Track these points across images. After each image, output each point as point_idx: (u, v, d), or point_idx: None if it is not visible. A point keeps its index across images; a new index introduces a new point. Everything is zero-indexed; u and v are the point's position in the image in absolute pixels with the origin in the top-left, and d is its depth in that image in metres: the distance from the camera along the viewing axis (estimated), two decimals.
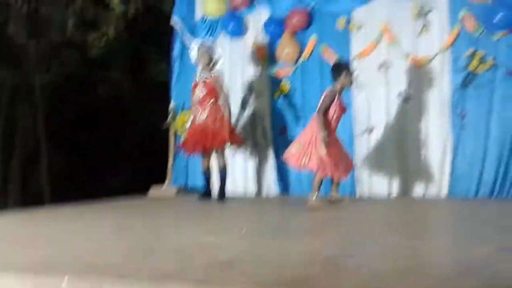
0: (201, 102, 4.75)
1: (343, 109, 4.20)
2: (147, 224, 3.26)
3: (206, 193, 4.95)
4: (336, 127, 4.17)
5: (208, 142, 4.68)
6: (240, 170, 5.70)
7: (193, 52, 4.92)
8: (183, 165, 5.92)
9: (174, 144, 5.93)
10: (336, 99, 4.11)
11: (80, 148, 6.87)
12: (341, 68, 4.21)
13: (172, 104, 5.94)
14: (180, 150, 5.86)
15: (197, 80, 4.85)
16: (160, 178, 5.92)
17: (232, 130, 4.82)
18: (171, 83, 6.05)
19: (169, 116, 5.86)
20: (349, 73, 4.17)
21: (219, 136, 4.67)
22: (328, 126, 4.03)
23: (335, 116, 4.11)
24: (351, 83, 4.22)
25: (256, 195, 5.58)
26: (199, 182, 5.74)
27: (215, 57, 4.85)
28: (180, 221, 3.56)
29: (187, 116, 5.71)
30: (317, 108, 4.11)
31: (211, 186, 5.01)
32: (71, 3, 6.46)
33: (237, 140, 4.94)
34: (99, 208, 4.33)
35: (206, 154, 4.89)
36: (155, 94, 6.83)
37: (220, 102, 4.74)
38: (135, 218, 3.66)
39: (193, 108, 4.88)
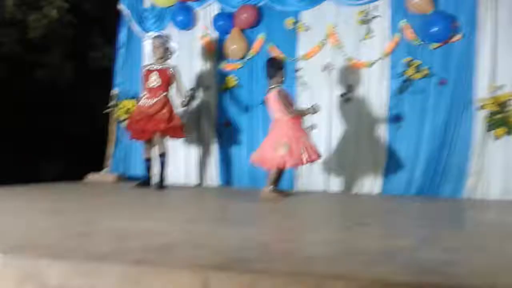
0: (155, 91, 4.80)
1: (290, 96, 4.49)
2: (83, 208, 3.19)
3: (145, 181, 4.93)
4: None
5: (150, 126, 4.72)
6: (182, 160, 5.69)
7: (148, 42, 4.97)
8: (123, 154, 5.82)
9: (115, 131, 5.83)
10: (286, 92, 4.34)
11: (13, 132, 6.56)
12: (279, 65, 4.42)
13: (114, 91, 5.84)
14: (121, 137, 5.78)
15: (150, 68, 4.92)
16: (98, 167, 5.80)
17: (178, 124, 4.88)
18: (115, 70, 5.93)
19: (111, 103, 5.76)
20: (282, 69, 4.40)
21: (163, 123, 4.73)
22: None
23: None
24: (283, 77, 4.43)
25: (198, 185, 5.59)
26: (139, 171, 5.68)
27: (170, 49, 4.96)
28: (117, 206, 3.51)
29: (130, 104, 5.65)
30: (285, 112, 4.25)
31: (151, 174, 4.98)
32: None
33: (180, 133, 4.97)
34: (31, 191, 4.19)
35: (149, 141, 4.89)
36: (97, 80, 6.66)
37: (178, 90, 4.93)
38: (70, 202, 3.57)
39: (144, 93, 4.92)
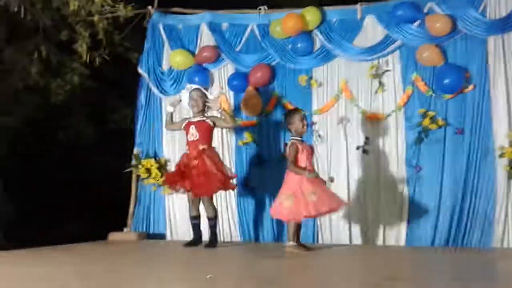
0: (194, 144, 4.76)
1: (309, 151, 4.38)
2: (111, 269, 3.21)
3: (195, 240, 4.83)
4: (313, 169, 4.36)
5: (193, 184, 4.62)
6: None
7: (185, 95, 4.98)
8: (145, 212, 5.87)
9: (136, 190, 5.92)
10: (299, 147, 4.29)
11: (37, 193, 6.70)
12: (291, 113, 4.45)
13: (136, 150, 5.97)
14: (142, 195, 5.85)
15: (190, 120, 4.90)
16: (119, 226, 5.85)
17: (225, 175, 4.74)
18: (135, 130, 6.09)
19: (132, 162, 5.88)
20: (300, 117, 4.36)
21: (210, 181, 4.61)
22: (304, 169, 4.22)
23: (308, 162, 4.29)
24: (304, 127, 4.37)
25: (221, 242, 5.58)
26: (160, 229, 5.72)
27: (209, 102, 4.92)
28: (142, 267, 3.52)
29: (149, 163, 5.77)
30: (288, 164, 4.28)
31: (200, 233, 4.89)
32: (36, 49, 6.48)
33: (229, 185, 4.82)
34: (58, 253, 4.22)
35: (195, 200, 4.81)
36: (118, 141, 6.83)
37: (224, 125, 4.98)
38: (97, 263, 3.59)
39: (186, 147, 4.88)
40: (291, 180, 4.28)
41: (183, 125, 4.93)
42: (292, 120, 4.38)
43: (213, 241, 4.73)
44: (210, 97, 4.97)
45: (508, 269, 3.57)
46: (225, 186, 4.77)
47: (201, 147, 4.73)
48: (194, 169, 4.64)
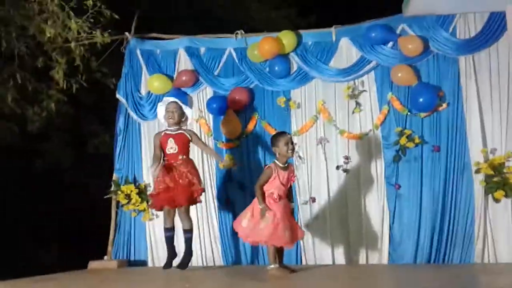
0: (174, 156, 4.77)
1: (285, 180, 4.29)
2: None
3: (170, 259, 4.80)
4: (284, 197, 4.29)
5: (176, 196, 4.65)
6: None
7: (162, 108, 4.96)
8: (125, 239, 5.78)
9: (116, 217, 5.84)
10: (274, 173, 4.26)
11: (14, 223, 6.55)
12: (276, 136, 4.40)
13: (115, 176, 5.91)
14: (122, 222, 5.78)
15: (167, 132, 4.86)
16: (99, 254, 5.74)
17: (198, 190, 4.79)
18: (114, 155, 6.04)
19: (112, 188, 5.81)
20: (285, 140, 4.28)
21: (187, 191, 4.67)
22: (264, 199, 4.19)
23: (279, 190, 4.25)
24: (289, 151, 4.28)
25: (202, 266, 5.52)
26: (142, 256, 5.64)
27: (185, 115, 4.97)
28: None
29: (129, 189, 5.71)
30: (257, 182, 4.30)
31: (173, 247, 4.87)
32: (11, 77, 6.42)
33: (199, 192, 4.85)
34: (36, 284, 4.11)
35: (171, 212, 4.80)
36: (97, 166, 6.76)
37: (205, 151, 5.05)
38: None
39: (165, 158, 4.82)
40: (254, 200, 4.31)
41: (160, 138, 4.89)
42: (276, 143, 4.32)
43: (186, 261, 4.72)
44: (186, 110, 5.00)
45: (486, 283, 3.61)
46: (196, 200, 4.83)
47: (180, 158, 4.78)
48: (177, 179, 4.67)
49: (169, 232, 4.85)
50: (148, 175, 5.84)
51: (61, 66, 6.10)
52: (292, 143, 4.35)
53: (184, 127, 5.00)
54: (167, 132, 4.89)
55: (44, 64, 6.27)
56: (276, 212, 4.17)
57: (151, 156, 5.74)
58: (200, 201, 5.00)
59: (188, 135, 4.91)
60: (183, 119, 4.98)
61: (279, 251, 4.30)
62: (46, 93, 6.61)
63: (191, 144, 5.00)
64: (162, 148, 4.86)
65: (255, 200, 4.29)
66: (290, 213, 4.35)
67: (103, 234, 5.85)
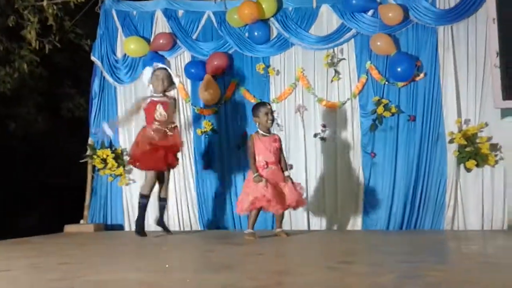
0: (163, 123, 4.71)
1: (269, 145, 4.35)
2: (64, 261, 3.14)
3: (141, 224, 4.74)
4: (273, 164, 4.33)
5: (168, 158, 4.69)
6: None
7: (149, 72, 4.84)
8: (101, 203, 5.76)
9: (92, 181, 5.79)
10: (255, 140, 4.32)
11: None
12: (257, 107, 4.47)
13: (90, 140, 5.84)
14: (98, 186, 5.74)
15: (154, 99, 4.76)
16: (76, 217, 5.72)
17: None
18: (90, 119, 5.94)
19: (87, 152, 5.75)
20: (265, 110, 4.35)
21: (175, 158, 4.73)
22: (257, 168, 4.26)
23: (264, 155, 4.30)
24: (268, 121, 4.34)
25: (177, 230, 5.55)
26: (118, 220, 5.65)
27: (174, 81, 4.88)
28: (97, 257, 3.46)
29: (105, 153, 5.65)
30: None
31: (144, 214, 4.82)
32: None
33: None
34: (9, 246, 4.09)
35: (154, 178, 4.72)
36: (71, 130, 6.65)
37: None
38: (50, 255, 3.50)
39: (153, 124, 4.72)
40: (249, 173, 4.38)
41: (146, 104, 4.77)
42: (257, 113, 4.39)
43: (162, 221, 4.84)
44: (175, 79, 4.92)
45: (454, 249, 3.74)
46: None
47: (172, 124, 4.77)
48: (167, 142, 4.67)
49: (146, 199, 4.76)
50: (125, 140, 5.78)
51: (33, 25, 5.91)
52: (272, 113, 4.40)
53: (167, 94, 4.91)
54: (154, 98, 4.79)
55: (15, 23, 6.06)
56: (266, 176, 4.23)
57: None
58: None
59: (173, 100, 4.91)
60: (169, 88, 4.89)
61: (278, 216, 4.39)
62: (18, 53, 6.42)
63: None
64: (146, 113, 4.78)
65: (248, 174, 4.36)
66: (283, 180, 4.36)
67: (80, 199, 5.82)
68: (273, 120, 4.41)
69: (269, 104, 4.54)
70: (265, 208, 4.25)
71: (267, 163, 4.29)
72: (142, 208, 4.74)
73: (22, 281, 2.47)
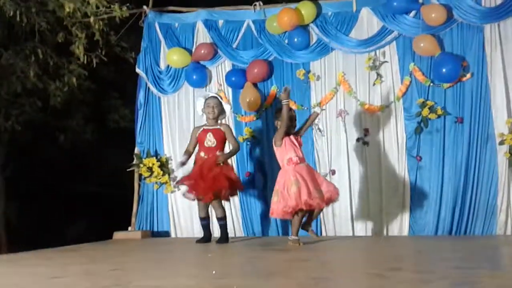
0: (211, 150, 4.80)
1: (294, 140, 4.34)
2: (115, 268, 3.23)
3: (205, 238, 4.88)
4: (304, 159, 4.32)
5: (212, 190, 4.65)
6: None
7: (201, 102, 4.99)
8: (148, 211, 5.90)
9: (139, 189, 5.94)
10: (281, 139, 4.30)
11: (38, 196, 6.72)
12: (275, 114, 4.50)
13: (136, 150, 6.00)
14: (145, 194, 5.87)
15: (206, 128, 4.90)
16: (122, 226, 5.88)
17: (235, 177, 4.89)
18: (136, 130, 6.11)
19: (134, 161, 5.90)
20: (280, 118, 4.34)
21: (224, 188, 4.68)
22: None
23: (293, 153, 4.26)
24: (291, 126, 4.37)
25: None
26: (164, 227, 5.77)
27: (224, 110, 4.98)
28: (147, 263, 3.55)
29: (151, 162, 5.79)
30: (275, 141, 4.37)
31: (210, 232, 4.95)
32: (33, 53, 6.49)
33: (239, 186, 4.97)
34: (62, 254, 4.24)
35: (204, 202, 4.81)
36: (118, 141, 6.85)
37: (232, 144, 4.90)
38: (101, 262, 3.61)
39: (201, 152, 4.85)
40: (279, 175, 4.34)
41: (198, 132, 4.92)
42: (279, 116, 4.38)
43: (225, 237, 4.80)
44: (225, 106, 5.02)
45: (508, 254, 3.60)
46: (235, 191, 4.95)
47: (219, 153, 4.81)
48: (212, 173, 4.68)
49: (204, 221, 4.92)
50: (169, 149, 5.91)
51: (81, 41, 6.14)
52: (295, 118, 4.44)
53: (219, 122, 5.01)
54: (206, 127, 4.92)
55: (64, 39, 6.32)
56: (301, 173, 4.19)
57: (171, 130, 5.85)
58: (229, 200, 5.02)
59: (223, 130, 4.93)
60: (221, 115, 5.00)
61: (308, 217, 4.32)
62: (67, 68, 6.68)
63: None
64: (199, 143, 4.90)
65: (278, 179, 4.32)
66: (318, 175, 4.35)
67: (128, 206, 5.97)
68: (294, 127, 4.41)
69: (293, 111, 4.55)
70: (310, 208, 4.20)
71: (299, 159, 4.25)
72: (202, 228, 4.95)
73: (78, 287, 2.56)
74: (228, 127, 5.05)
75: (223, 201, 4.88)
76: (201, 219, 4.92)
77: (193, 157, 5.00)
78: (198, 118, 5.80)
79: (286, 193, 4.16)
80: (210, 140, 4.83)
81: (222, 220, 4.84)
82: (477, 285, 2.20)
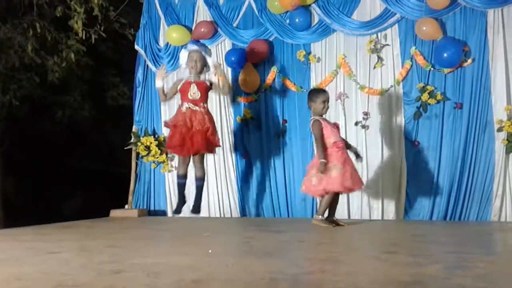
0: (196, 102, 4.81)
1: (333, 126, 4.41)
2: (111, 245, 3.25)
3: (180, 203, 4.93)
4: (343, 145, 4.36)
5: (194, 143, 4.69)
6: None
7: (185, 55, 4.96)
8: (145, 189, 5.91)
9: (136, 168, 5.95)
10: (322, 123, 4.31)
11: (35, 172, 6.72)
12: (316, 92, 4.47)
13: (134, 128, 5.98)
14: (142, 172, 5.88)
15: (189, 80, 4.88)
16: (119, 204, 5.89)
17: (215, 139, 4.88)
18: (134, 107, 6.08)
19: (132, 139, 5.89)
20: (323, 98, 4.34)
21: (205, 142, 4.71)
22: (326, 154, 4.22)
23: (335, 137, 4.31)
24: (324, 109, 4.36)
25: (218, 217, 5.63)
26: (161, 206, 5.79)
27: (208, 64, 4.97)
28: (144, 241, 3.57)
29: (149, 140, 5.78)
30: (315, 142, 4.37)
31: (185, 194, 4.97)
32: (31, 27, 6.41)
33: (214, 148, 4.95)
34: (59, 230, 4.26)
35: (186, 159, 4.87)
36: (116, 118, 6.82)
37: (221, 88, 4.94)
38: (97, 239, 3.63)
39: (185, 103, 4.84)
40: (316, 157, 4.33)
41: (181, 84, 4.91)
42: (315, 98, 4.36)
43: (198, 205, 4.88)
44: (209, 60, 5.00)
45: (503, 240, 3.62)
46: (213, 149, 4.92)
47: (202, 105, 4.82)
48: (197, 126, 4.71)
49: (182, 179, 4.95)
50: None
51: (80, 15, 6.07)
52: (328, 101, 4.40)
53: (203, 77, 5.02)
54: (189, 80, 4.92)
55: (63, 13, 6.24)
56: (343, 158, 4.26)
57: (169, 109, 5.81)
58: (215, 152, 5.06)
59: (208, 83, 4.96)
60: (204, 70, 4.99)
61: (333, 204, 4.36)
62: (66, 43, 6.62)
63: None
64: (181, 94, 4.89)
65: (315, 158, 4.35)
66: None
67: (124, 184, 5.98)
68: (327, 108, 4.42)
69: (327, 93, 4.50)
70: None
71: (327, 167, 4.22)
72: (178, 188, 4.99)
73: (74, 263, 2.57)
74: (211, 84, 4.98)
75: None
76: (179, 176, 4.92)
77: (175, 107, 5.09)
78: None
79: (328, 175, 4.18)
80: (194, 92, 4.81)
81: (201, 180, 4.88)
82: (471, 270, 2.22)
